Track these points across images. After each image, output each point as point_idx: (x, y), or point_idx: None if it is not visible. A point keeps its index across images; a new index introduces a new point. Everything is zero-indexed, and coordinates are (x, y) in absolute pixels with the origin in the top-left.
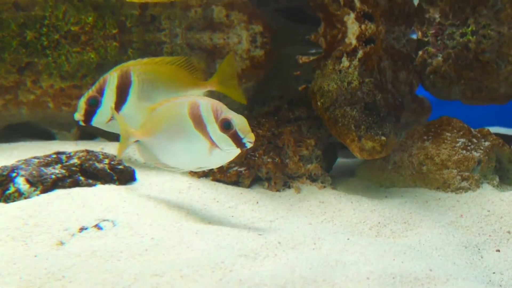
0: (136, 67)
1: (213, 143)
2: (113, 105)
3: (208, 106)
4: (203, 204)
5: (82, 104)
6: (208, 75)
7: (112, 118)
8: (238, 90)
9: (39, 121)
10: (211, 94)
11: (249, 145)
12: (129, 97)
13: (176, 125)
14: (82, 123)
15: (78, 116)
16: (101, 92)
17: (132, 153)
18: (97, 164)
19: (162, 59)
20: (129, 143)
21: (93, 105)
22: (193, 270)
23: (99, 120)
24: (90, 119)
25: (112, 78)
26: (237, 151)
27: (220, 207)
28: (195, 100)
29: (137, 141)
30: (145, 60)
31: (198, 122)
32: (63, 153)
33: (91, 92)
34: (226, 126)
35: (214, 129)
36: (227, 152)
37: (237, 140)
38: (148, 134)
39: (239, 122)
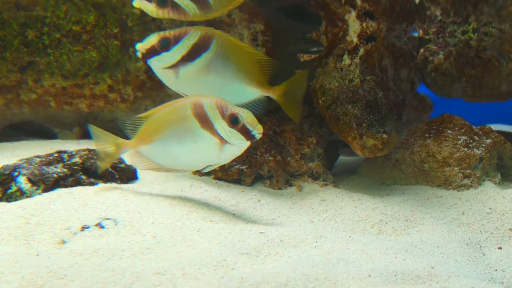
0: (220, 38)
1: (222, 139)
2: (178, 59)
3: (212, 103)
4: (205, 203)
5: (153, 39)
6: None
7: (170, 67)
8: (298, 110)
9: (40, 120)
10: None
11: (258, 136)
12: (197, 61)
13: (181, 127)
14: (139, 55)
15: (141, 47)
16: (177, 40)
17: (134, 151)
18: None
19: (248, 46)
20: (118, 155)
21: (163, 47)
22: (195, 268)
23: (158, 63)
24: (150, 56)
25: (194, 34)
26: (247, 143)
27: (221, 205)
28: (197, 100)
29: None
30: (232, 38)
31: (204, 120)
32: (64, 152)
33: (168, 34)
34: (234, 121)
35: (222, 125)
36: (238, 146)
37: (247, 133)
38: (146, 141)
39: (246, 116)
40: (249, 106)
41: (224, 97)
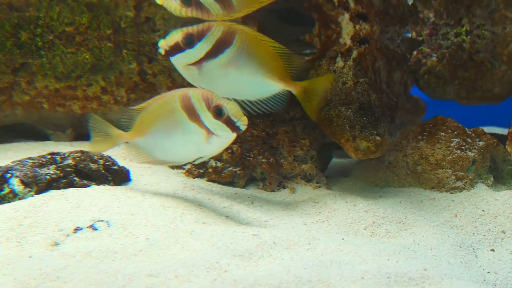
0: (242, 33)
1: (209, 131)
2: (202, 55)
3: (199, 96)
4: (198, 205)
5: (176, 36)
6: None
7: (193, 64)
8: (316, 108)
9: (33, 122)
10: None
11: (243, 128)
12: (220, 57)
13: (170, 120)
14: (162, 52)
15: (165, 44)
16: (201, 36)
17: (127, 153)
18: (91, 165)
19: (271, 40)
20: (114, 145)
21: (187, 44)
22: (188, 270)
23: (181, 60)
24: (174, 53)
25: (217, 30)
26: (233, 135)
27: (215, 207)
28: (185, 92)
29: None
30: (254, 32)
31: (192, 112)
32: (57, 153)
33: (192, 30)
34: (218, 112)
35: (207, 117)
36: (224, 138)
37: (231, 124)
38: (140, 134)
39: (231, 107)
40: (271, 101)
41: (247, 92)
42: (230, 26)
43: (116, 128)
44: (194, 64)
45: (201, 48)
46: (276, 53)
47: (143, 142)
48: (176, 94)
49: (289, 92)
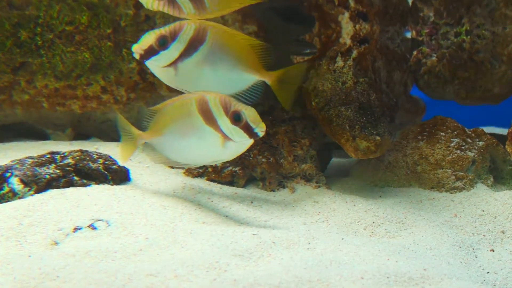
0: (214, 29)
1: (226, 136)
2: (177, 56)
3: (216, 100)
4: (198, 204)
5: (149, 39)
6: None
7: (169, 65)
8: (291, 97)
9: (33, 121)
10: None
11: (261, 134)
12: (196, 54)
13: (186, 123)
14: (137, 57)
15: (139, 48)
16: (174, 36)
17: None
18: (91, 164)
19: (241, 33)
20: (137, 145)
21: (161, 45)
22: (188, 270)
23: (157, 63)
24: (149, 57)
25: (189, 28)
26: (250, 141)
27: (214, 207)
28: (202, 96)
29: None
30: (226, 27)
31: (208, 117)
32: (57, 153)
33: (164, 31)
34: (237, 118)
35: (225, 122)
36: (241, 144)
37: (249, 130)
38: (157, 134)
39: (250, 113)
40: (247, 93)
41: (223, 86)
42: (200, 23)
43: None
44: (170, 65)
45: (175, 48)
46: (248, 46)
47: (159, 143)
48: (193, 97)
49: (265, 83)
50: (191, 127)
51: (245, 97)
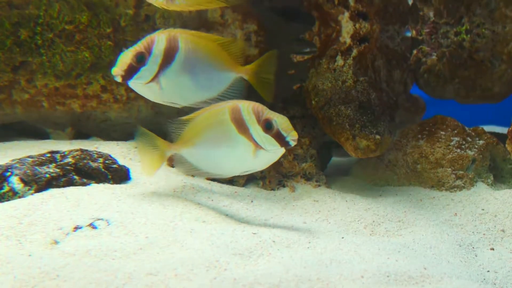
0: (183, 35)
1: (257, 145)
2: (157, 69)
3: (249, 108)
4: (198, 203)
5: (126, 58)
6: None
7: (152, 80)
8: (270, 89)
9: (33, 120)
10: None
11: (293, 143)
12: (174, 63)
13: (219, 132)
14: (119, 79)
15: (118, 70)
16: (149, 50)
17: (127, 152)
18: (91, 163)
19: (207, 34)
20: (165, 158)
21: (140, 62)
22: (188, 269)
23: (140, 80)
24: (131, 76)
25: (160, 40)
26: (282, 150)
27: (214, 206)
28: (236, 104)
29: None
30: (191, 31)
31: (241, 125)
32: (57, 152)
33: (138, 48)
34: (268, 126)
35: (257, 130)
36: (272, 152)
37: (281, 139)
38: (188, 145)
39: (281, 121)
40: (229, 92)
41: (206, 90)
42: (169, 32)
43: (162, 139)
44: (152, 80)
45: (154, 62)
46: (218, 45)
47: (190, 154)
48: (226, 106)
49: (243, 79)
50: (223, 136)
51: (228, 97)
